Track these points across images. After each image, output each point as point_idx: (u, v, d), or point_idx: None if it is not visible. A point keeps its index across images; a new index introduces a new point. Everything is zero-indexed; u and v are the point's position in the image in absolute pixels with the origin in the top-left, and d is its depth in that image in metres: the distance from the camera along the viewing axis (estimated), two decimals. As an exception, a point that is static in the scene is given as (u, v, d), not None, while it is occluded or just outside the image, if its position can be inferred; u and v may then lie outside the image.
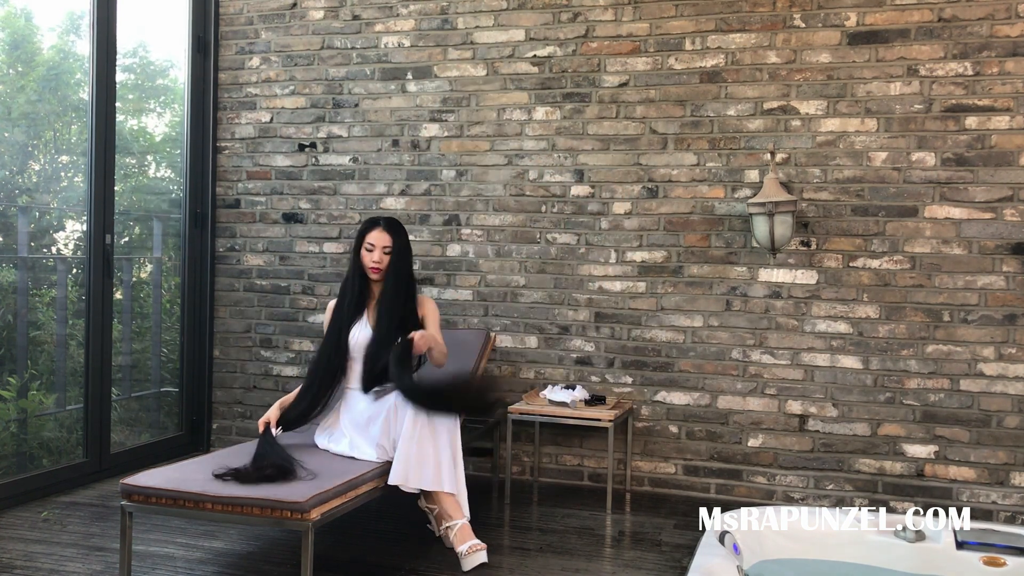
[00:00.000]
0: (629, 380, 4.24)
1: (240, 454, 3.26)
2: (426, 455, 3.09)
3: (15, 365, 4.00)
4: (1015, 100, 3.76)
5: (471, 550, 3.05)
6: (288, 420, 3.38)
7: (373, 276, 3.40)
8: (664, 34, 4.17)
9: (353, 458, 3.22)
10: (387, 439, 3.18)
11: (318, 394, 3.40)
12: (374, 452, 3.20)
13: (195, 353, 4.80)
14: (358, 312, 3.43)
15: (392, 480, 3.07)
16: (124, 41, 4.37)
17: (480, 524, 3.41)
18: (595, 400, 4.02)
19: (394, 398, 3.18)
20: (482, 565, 3.06)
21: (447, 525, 3.11)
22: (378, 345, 3.34)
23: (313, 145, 4.70)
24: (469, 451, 4.22)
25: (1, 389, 3.89)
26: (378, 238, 3.39)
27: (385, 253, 3.38)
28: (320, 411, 3.43)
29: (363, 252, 3.41)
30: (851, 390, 3.95)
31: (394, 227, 3.43)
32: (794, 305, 4.02)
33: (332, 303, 3.54)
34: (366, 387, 3.34)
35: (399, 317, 3.38)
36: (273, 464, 2.99)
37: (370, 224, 3.44)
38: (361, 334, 3.39)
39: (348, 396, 3.42)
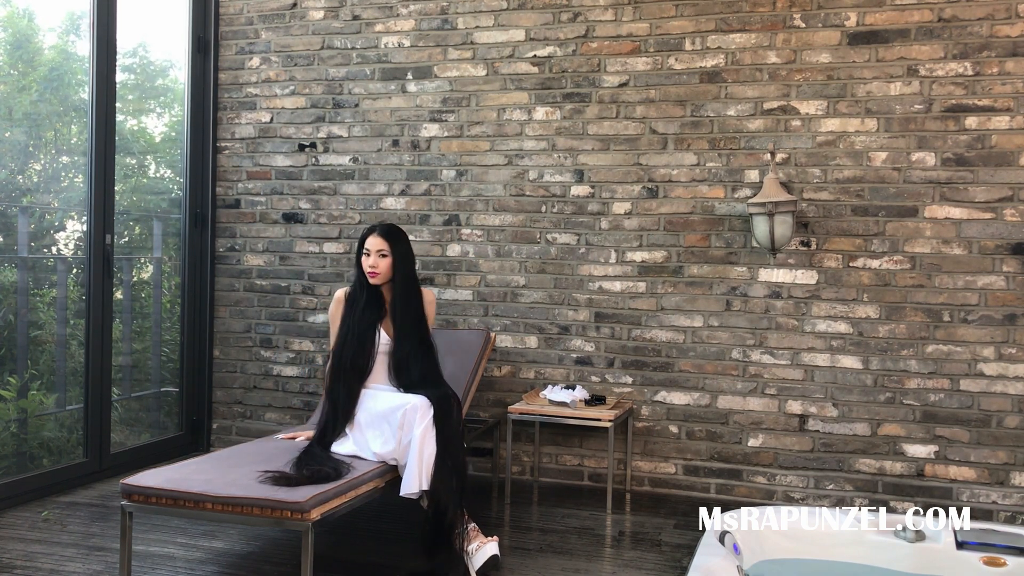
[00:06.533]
0: (629, 380, 4.24)
1: (240, 454, 3.27)
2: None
3: (15, 365, 4.00)
4: (1015, 100, 3.76)
5: (481, 544, 3.05)
6: (326, 435, 3.33)
7: (370, 280, 3.41)
8: (664, 34, 4.17)
9: (356, 457, 3.22)
10: (384, 450, 3.17)
11: (349, 397, 3.35)
12: (373, 457, 3.21)
13: (195, 353, 4.80)
14: (378, 316, 3.45)
15: (404, 491, 3.06)
16: (124, 41, 4.37)
17: (480, 524, 3.40)
18: (595, 400, 4.02)
19: (399, 413, 3.17)
20: (493, 558, 3.05)
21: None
22: (400, 344, 3.39)
23: (313, 145, 4.70)
24: (469, 451, 4.23)
25: (1, 389, 3.89)
26: (373, 243, 3.41)
27: (380, 256, 3.39)
28: (352, 414, 3.37)
29: (362, 258, 3.43)
30: (851, 390, 3.95)
31: (389, 232, 3.44)
32: (794, 305, 4.02)
33: (340, 293, 3.53)
34: (399, 383, 3.38)
35: (414, 316, 3.43)
36: (316, 467, 3.02)
37: (368, 230, 3.47)
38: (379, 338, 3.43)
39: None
